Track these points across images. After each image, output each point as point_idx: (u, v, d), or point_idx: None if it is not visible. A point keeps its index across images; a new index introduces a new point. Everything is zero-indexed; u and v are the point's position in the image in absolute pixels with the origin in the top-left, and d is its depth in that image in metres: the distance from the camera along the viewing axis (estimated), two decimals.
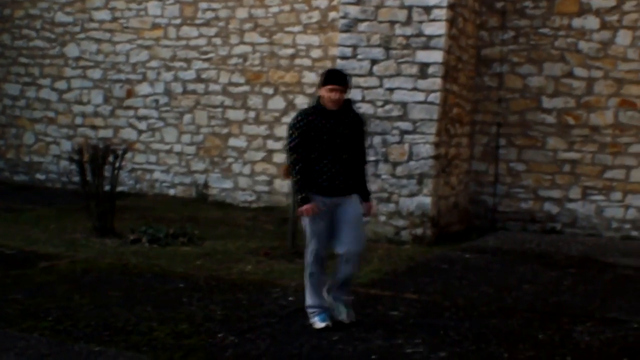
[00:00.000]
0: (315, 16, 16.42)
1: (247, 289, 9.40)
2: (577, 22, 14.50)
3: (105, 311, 8.24)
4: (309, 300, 8.02)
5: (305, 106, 15.19)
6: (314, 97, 7.98)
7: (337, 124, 7.83)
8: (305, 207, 7.81)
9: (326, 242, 7.98)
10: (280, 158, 16.52)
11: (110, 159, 12.80)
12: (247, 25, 17.04)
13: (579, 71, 14.51)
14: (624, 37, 14.24)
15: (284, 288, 9.51)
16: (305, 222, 7.99)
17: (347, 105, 8.03)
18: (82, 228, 13.02)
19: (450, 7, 13.32)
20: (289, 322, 8.05)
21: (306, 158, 7.80)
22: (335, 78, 7.86)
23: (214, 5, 17.38)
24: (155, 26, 18.05)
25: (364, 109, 13.36)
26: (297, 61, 16.56)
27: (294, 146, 7.81)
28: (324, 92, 7.81)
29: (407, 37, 13.37)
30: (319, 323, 7.85)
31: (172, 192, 17.82)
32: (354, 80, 13.50)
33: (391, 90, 13.36)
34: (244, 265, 10.84)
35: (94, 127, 18.68)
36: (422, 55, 13.29)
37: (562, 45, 14.59)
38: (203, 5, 17.50)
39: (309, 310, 8.00)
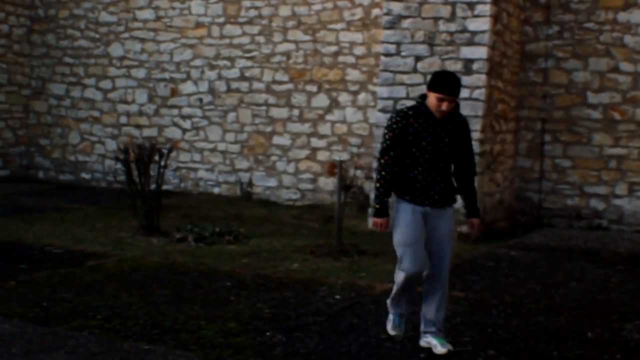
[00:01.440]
0: (359, 13, 16.41)
1: (294, 287, 9.40)
2: (622, 16, 14.39)
3: (153, 309, 8.27)
4: (390, 301, 7.41)
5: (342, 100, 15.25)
6: (418, 96, 7.03)
7: (440, 130, 6.91)
8: (375, 220, 7.11)
9: (421, 256, 7.03)
10: (324, 156, 16.55)
11: (156, 158, 12.85)
12: (290, 23, 17.06)
13: (625, 66, 14.40)
14: None
15: (331, 286, 9.49)
16: (395, 231, 7.10)
17: (454, 109, 7.01)
18: (128, 227, 13.08)
19: (494, 2, 13.26)
20: (336, 320, 8.04)
21: (399, 163, 6.98)
22: (448, 87, 6.78)
23: (257, 3, 17.42)
24: (198, 25, 18.13)
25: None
26: (341, 58, 16.56)
27: (385, 148, 6.94)
28: (432, 99, 6.80)
29: (451, 34, 13.33)
30: (390, 329, 7.41)
31: (216, 190, 17.88)
32: (398, 77, 13.52)
33: None
34: (290, 264, 10.84)
35: (138, 126, 18.80)
36: (467, 52, 13.25)
37: (608, 40, 14.50)
38: (246, 3, 17.55)
39: (389, 310, 7.45)
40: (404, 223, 7.00)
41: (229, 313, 8.20)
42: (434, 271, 7.11)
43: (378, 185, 7.03)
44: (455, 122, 7.01)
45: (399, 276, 7.13)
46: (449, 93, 6.77)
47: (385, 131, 6.98)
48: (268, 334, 7.54)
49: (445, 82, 6.79)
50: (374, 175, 7.20)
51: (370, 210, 7.75)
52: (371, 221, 7.46)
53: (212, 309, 8.33)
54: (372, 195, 13.82)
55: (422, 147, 6.89)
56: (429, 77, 13.21)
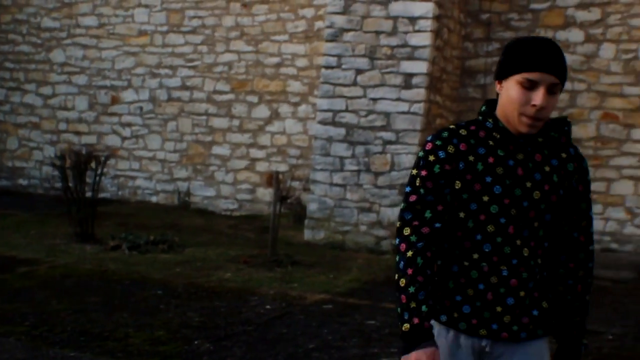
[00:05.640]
0: (301, 25, 16.42)
1: (226, 297, 9.39)
2: (561, 35, 14.52)
3: (82, 317, 8.23)
4: None
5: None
6: (483, 103, 3.60)
7: (525, 171, 3.41)
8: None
9: None
10: (263, 166, 16.52)
11: (93, 165, 12.77)
12: (234, 34, 17.04)
13: None
14: (607, 50, 14.28)
15: (262, 296, 9.49)
16: None
17: (555, 127, 3.49)
18: (62, 234, 12.97)
19: (436, 18, 13.34)
20: (265, 330, 8.04)
21: (442, 234, 3.42)
22: (544, 58, 3.27)
23: (201, 13, 17.38)
24: (141, 33, 18.03)
25: (347, 118, 13.39)
26: (282, 70, 16.55)
27: (412, 203, 3.41)
28: (513, 91, 3.33)
29: (392, 48, 13.38)
30: None
31: (154, 199, 17.78)
32: (338, 90, 13.55)
33: (375, 100, 13.37)
34: (223, 273, 10.81)
35: (77, 133, 18.64)
36: (407, 66, 13.30)
37: None
38: (190, 13, 17.50)
39: None
40: None
41: (158, 321, 8.18)
42: None
43: (403, 280, 3.35)
44: (560, 158, 3.51)
45: None
46: (546, 68, 3.28)
47: (413, 170, 3.49)
48: (196, 342, 7.53)
49: (538, 50, 3.30)
50: (397, 247, 3.44)
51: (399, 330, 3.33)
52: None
53: (141, 317, 8.31)
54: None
55: (484, 207, 3.39)
56: (368, 91, 13.48)
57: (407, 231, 3.38)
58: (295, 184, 14.85)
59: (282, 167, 16.02)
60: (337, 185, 13.47)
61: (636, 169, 14.13)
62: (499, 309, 3.36)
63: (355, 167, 13.27)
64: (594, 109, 14.28)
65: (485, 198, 3.36)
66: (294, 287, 10.09)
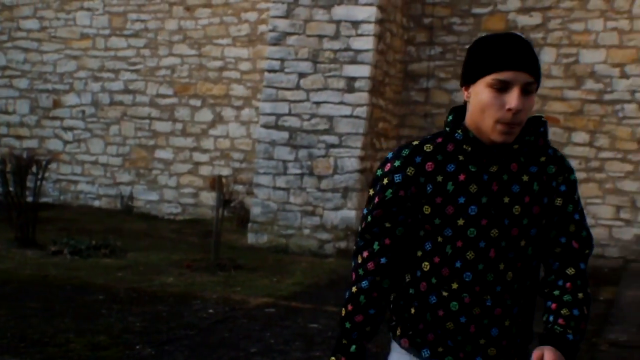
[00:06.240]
0: (245, 29, 16.41)
1: (168, 301, 9.32)
2: None
3: (22, 323, 8.12)
4: None
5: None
6: (449, 111, 3.09)
7: (501, 187, 2.96)
8: None
9: None
10: (207, 170, 16.48)
11: (34, 169, 12.65)
12: (176, 37, 16.97)
13: None
14: (548, 55, 14.43)
15: (205, 300, 9.44)
16: None
17: (529, 130, 2.99)
18: (3, 239, 12.79)
19: (379, 22, 13.39)
20: (208, 334, 8.00)
21: (394, 265, 3.07)
22: (517, 56, 2.83)
23: (143, 16, 17.29)
24: (83, 36, 17.90)
25: (290, 122, 13.39)
26: (226, 74, 16.52)
27: (363, 229, 3.08)
28: (484, 94, 2.86)
29: (335, 52, 13.41)
30: None
31: (97, 203, 17.65)
32: (281, 94, 13.54)
33: (318, 103, 13.38)
34: (165, 277, 10.74)
35: (19, 137, 18.45)
36: (350, 70, 13.34)
37: None
38: (132, 16, 17.40)
39: None
40: None
41: (99, 326, 8.09)
42: None
43: (343, 312, 3.10)
44: (539, 163, 3.05)
45: None
46: (518, 66, 2.83)
47: (370, 190, 3.13)
48: (138, 347, 7.46)
49: (507, 47, 2.86)
50: (351, 271, 3.14)
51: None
52: None
53: (82, 322, 8.21)
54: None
55: (460, 232, 2.96)
56: (311, 94, 13.50)
57: (359, 259, 3.07)
58: (239, 187, 14.85)
59: (226, 171, 15.99)
60: (280, 188, 13.47)
61: (578, 171, 14.26)
62: (482, 341, 2.99)
63: (298, 171, 13.27)
64: (535, 113, 14.39)
65: (461, 222, 2.93)
66: (237, 291, 10.06)
